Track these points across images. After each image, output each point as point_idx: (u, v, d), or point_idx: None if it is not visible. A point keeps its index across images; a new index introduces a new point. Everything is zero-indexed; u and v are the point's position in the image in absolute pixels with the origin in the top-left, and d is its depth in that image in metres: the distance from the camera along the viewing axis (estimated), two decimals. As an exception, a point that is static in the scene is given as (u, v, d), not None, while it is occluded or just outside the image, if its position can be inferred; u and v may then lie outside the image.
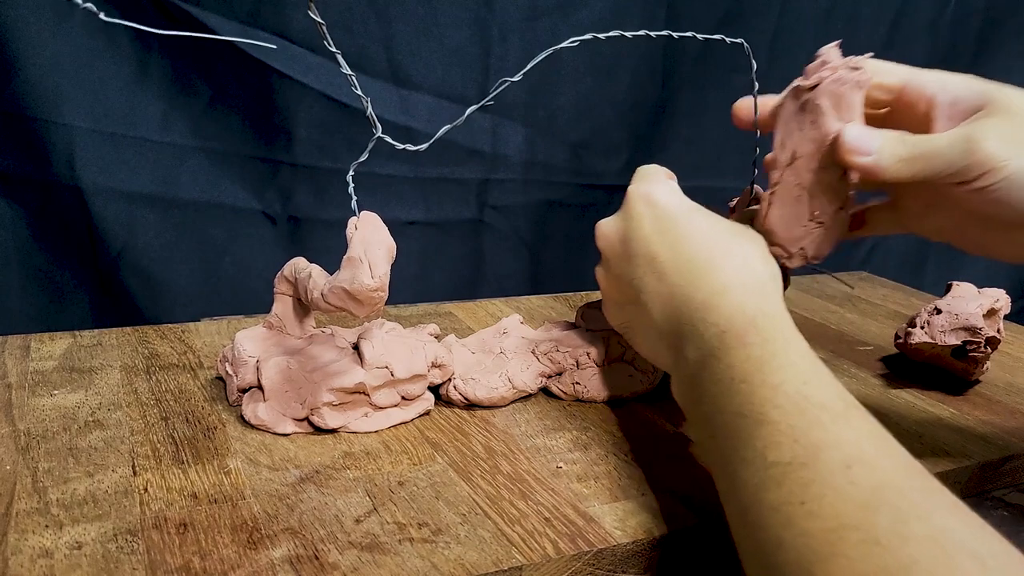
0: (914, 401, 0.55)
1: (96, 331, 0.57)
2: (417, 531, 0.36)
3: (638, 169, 0.46)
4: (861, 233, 0.47)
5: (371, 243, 0.43)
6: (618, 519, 0.38)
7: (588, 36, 0.46)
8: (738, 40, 0.48)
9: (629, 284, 0.43)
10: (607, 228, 0.45)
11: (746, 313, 0.37)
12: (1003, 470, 0.48)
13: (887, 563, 0.25)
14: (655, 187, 0.43)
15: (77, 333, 0.57)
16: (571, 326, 0.57)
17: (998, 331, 0.56)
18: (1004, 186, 0.38)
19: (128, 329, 0.58)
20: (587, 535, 0.37)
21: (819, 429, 0.30)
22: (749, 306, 0.37)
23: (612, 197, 0.85)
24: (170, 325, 0.59)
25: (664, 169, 0.46)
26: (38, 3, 0.59)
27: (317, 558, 0.34)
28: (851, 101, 0.42)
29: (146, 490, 0.38)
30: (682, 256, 0.40)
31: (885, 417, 0.52)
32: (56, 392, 0.48)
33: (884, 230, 0.47)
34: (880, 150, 0.40)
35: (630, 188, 0.44)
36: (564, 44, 0.46)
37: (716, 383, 0.35)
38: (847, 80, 0.42)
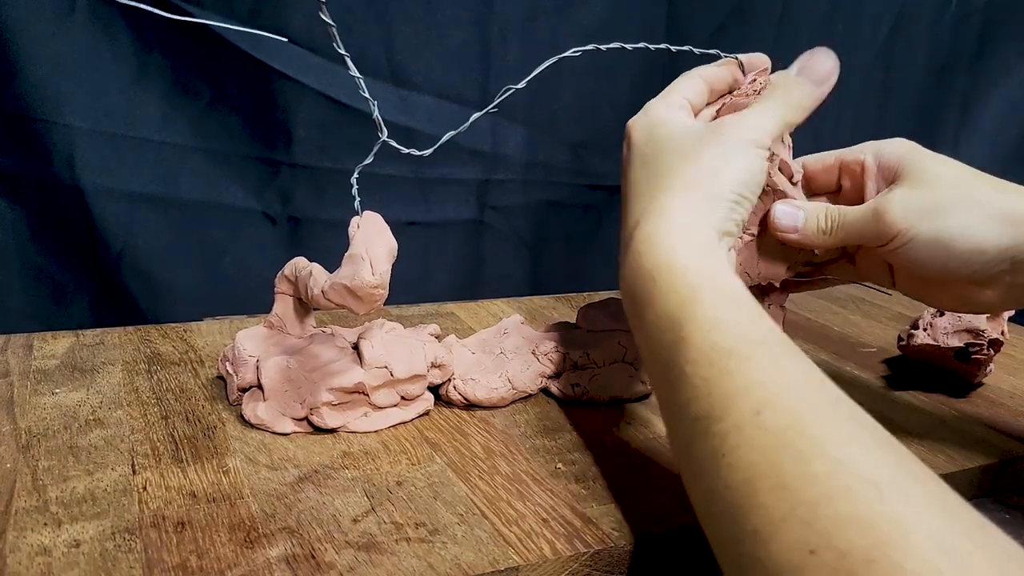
0: (917, 403, 0.55)
1: (99, 330, 0.57)
2: (414, 531, 0.36)
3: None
4: (826, 285, 0.51)
5: (373, 241, 0.43)
6: (616, 520, 0.38)
7: (590, 47, 0.47)
8: (733, 56, 0.48)
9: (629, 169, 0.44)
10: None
11: (659, 257, 0.37)
12: (1006, 473, 0.48)
13: (795, 505, 0.25)
14: (660, 100, 0.45)
15: (80, 332, 0.57)
16: (572, 327, 0.57)
17: (1002, 333, 0.56)
18: (911, 247, 0.42)
19: (130, 328, 0.58)
20: (584, 536, 0.37)
21: (728, 378, 0.31)
22: (667, 243, 0.37)
23: (612, 197, 0.85)
24: (172, 324, 0.59)
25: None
26: (38, 3, 0.59)
27: (314, 557, 0.34)
28: None
29: (145, 489, 0.38)
30: (633, 171, 0.42)
31: (888, 419, 0.52)
32: (58, 391, 0.48)
33: (846, 280, 0.50)
34: (805, 226, 0.45)
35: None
36: (567, 54, 0.47)
37: (640, 330, 0.37)
38: (740, 104, 0.45)
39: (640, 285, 0.37)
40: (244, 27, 0.64)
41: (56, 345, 0.54)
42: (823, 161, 0.48)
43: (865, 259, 0.47)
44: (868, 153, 0.45)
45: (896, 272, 0.46)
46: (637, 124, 0.44)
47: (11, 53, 0.60)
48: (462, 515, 0.38)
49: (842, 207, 0.45)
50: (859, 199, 0.46)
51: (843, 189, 0.48)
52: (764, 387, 0.30)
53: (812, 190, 0.49)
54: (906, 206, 0.42)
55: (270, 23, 0.66)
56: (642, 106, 0.78)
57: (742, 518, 0.27)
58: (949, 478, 0.46)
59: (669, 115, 0.44)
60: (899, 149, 0.45)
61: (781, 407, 0.29)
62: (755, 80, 0.47)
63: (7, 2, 0.58)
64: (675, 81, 0.46)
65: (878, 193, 0.44)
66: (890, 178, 0.44)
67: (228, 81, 0.67)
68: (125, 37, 0.63)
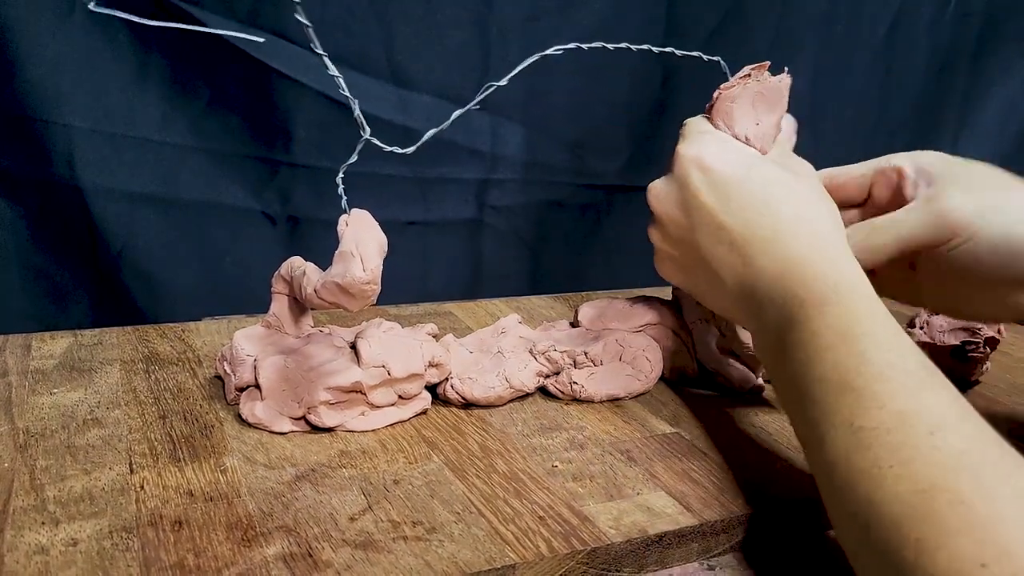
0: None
1: (97, 330, 0.57)
2: (411, 529, 0.36)
3: (685, 125, 0.47)
4: None
5: (362, 238, 0.43)
6: (612, 518, 0.38)
7: (572, 45, 0.47)
8: (715, 58, 0.49)
9: (696, 251, 0.44)
10: (662, 193, 0.46)
11: (826, 281, 0.38)
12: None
13: (974, 520, 0.26)
14: (706, 149, 0.44)
15: (78, 332, 0.57)
16: (569, 326, 0.57)
17: (998, 331, 0.56)
18: (970, 247, 0.42)
19: (128, 328, 0.58)
20: (581, 534, 0.37)
21: (903, 396, 0.31)
22: (829, 273, 0.38)
23: (612, 197, 0.85)
24: (171, 324, 0.59)
25: (705, 121, 0.47)
26: (38, 3, 0.60)
27: (311, 555, 0.34)
28: (727, 111, 0.46)
29: (142, 488, 0.38)
30: (750, 224, 0.42)
31: None
32: (56, 391, 0.48)
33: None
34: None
35: (680, 150, 0.45)
36: (548, 52, 0.47)
37: (801, 348, 0.36)
38: (725, 97, 0.47)
39: (794, 302, 0.38)
40: (241, 28, 0.65)
41: (54, 345, 0.54)
42: (851, 173, 0.47)
43: (891, 275, 0.46)
44: (905, 161, 0.45)
45: (926, 284, 0.45)
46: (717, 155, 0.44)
47: (11, 53, 0.60)
48: (459, 513, 0.38)
49: (889, 216, 0.44)
50: (893, 207, 0.45)
51: (873, 198, 0.47)
52: (940, 411, 0.31)
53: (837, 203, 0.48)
54: (964, 204, 0.42)
55: (269, 23, 0.66)
56: (641, 105, 0.79)
57: (907, 527, 0.28)
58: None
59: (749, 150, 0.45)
60: (933, 157, 0.45)
61: (958, 432, 0.30)
62: (749, 74, 0.47)
63: (7, 2, 0.58)
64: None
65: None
66: (928, 181, 0.44)
67: (228, 81, 0.67)
68: (125, 37, 0.64)
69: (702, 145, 0.44)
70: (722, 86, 0.47)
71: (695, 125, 0.47)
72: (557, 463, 0.43)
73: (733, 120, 0.46)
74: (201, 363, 0.53)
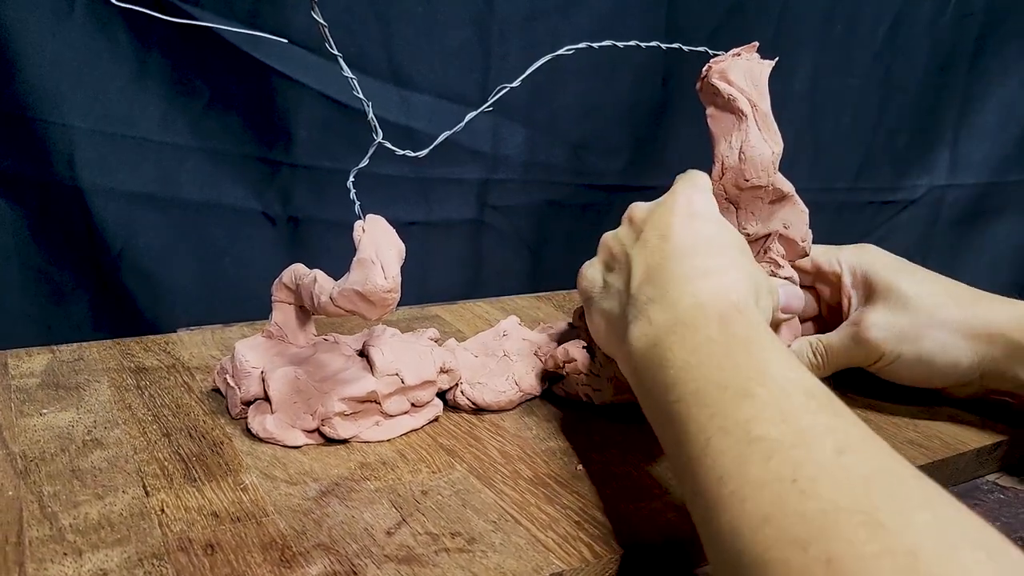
0: (908, 387, 0.55)
1: (75, 345, 0.55)
2: (451, 541, 0.36)
3: (689, 172, 0.46)
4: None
5: (382, 244, 0.42)
6: (646, 518, 0.38)
7: (583, 45, 0.48)
8: (718, 53, 0.49)
9: (627, 247, 0.42)
10: (645, 206, 0.45)
11: (730, 299, 0.37)
12: (996, 455, 0.49)
13: (892, 546, 0.24)
14: (701, 195, 0.44)
15: (55, 348, 0.54)
16: (568, 327, 0.56)
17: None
18: (897, 365, 0.49)
19: (108, 342, 0.56)
20: (620, 536, 0.37)
21: (807, 415, 0.30)
22: (736, 294, 0.37)
23: (612, 197, 0.85)
24: (153, 337, 0.58)
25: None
26: (38, 3, 0.59)
27: (355, 574, 0.33)
28: (708, 92, 0.49)
29: (163, 511, 0.37)
30: (689, 240, 0.40)
31: (879, 404, 0.52)
32: (46, 411, 0.46)
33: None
34: None
35: (678, 186, 0.44)
36: (560, 52, 0.47)
37: (689, 352, 0.35)
38: (723, 72, 0.48)
39: (691, 303, 0.37)
40: (243, 27, 0.63)
41: (32, 362, 0.52)
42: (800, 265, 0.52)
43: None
44: (842, 265, 0.52)
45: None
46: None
47: (10, 53, 0.59)
48: (495, 522, 0.37)
49: (824, 337, 0.51)
50: (835, 303, 0.53)
51: (818, 290, 0.55)
52: (846, 433, 0.29)
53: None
54: (886, 330, 0.49)
55: (270, 23, 0.65)
56: (642, 105, 0.79)
57: (815, 547, 0.25)
58: (946, 461, 0.46)
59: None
60: (871, 263, 0.51)
61: (868, 455, 0.28)
62: (739, 53, 0.49)
63: (7, 2, 0.57)
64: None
65: (853, 308, 0.51)
66: (865, 292, 0.51)
67: (228, 81, 0.66)
68: (124, 37, 0.62)
69: (700, 192, 0.44)
70: (712, 60, 0.49)
71: (699, 176, 0.46)
72: (580, 466, 0.43)
73: (721, 81, 0.48)
74: (193, 375, 0.52)
